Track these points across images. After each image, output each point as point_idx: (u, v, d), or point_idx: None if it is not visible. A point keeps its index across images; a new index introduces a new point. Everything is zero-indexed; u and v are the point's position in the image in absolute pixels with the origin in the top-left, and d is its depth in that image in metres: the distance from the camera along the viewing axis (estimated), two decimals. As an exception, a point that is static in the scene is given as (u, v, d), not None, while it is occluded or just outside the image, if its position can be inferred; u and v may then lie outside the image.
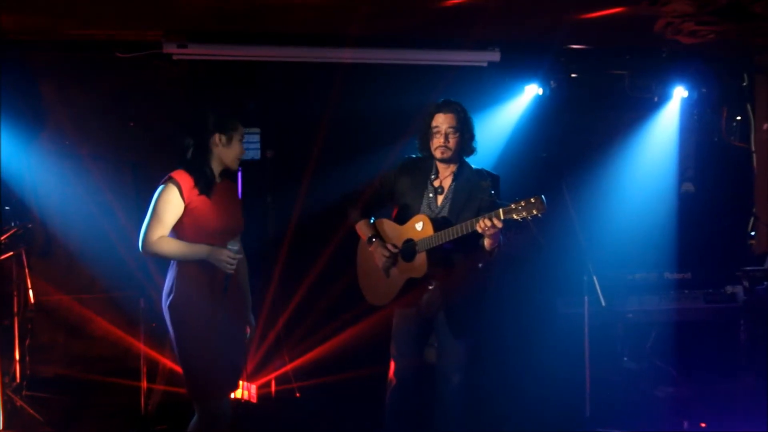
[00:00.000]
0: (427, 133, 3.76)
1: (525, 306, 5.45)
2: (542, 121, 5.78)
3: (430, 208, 3.75)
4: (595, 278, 4.45)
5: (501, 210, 3.37)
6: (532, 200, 3.30)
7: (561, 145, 5.80)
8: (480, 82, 5.60)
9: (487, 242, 3.52)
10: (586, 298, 4.54)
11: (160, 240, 3.20)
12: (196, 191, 3.25)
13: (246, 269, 3.55)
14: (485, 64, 5.54)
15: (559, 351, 5.03)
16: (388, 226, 3.88)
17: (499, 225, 3.37)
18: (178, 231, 3.28)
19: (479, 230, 3.42)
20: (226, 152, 3.32)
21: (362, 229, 3.92)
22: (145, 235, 3.21)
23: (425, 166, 3.81)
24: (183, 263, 3.27)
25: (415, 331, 3.82)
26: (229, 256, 3.22)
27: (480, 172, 3.74)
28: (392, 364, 3.85)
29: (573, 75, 5.82)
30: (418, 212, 3.74)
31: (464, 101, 3.80)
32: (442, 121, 3.70)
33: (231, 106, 3.35)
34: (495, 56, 5.48)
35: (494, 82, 5.69)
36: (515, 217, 3.33)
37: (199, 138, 3.29)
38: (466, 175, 3.74)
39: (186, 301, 3.27)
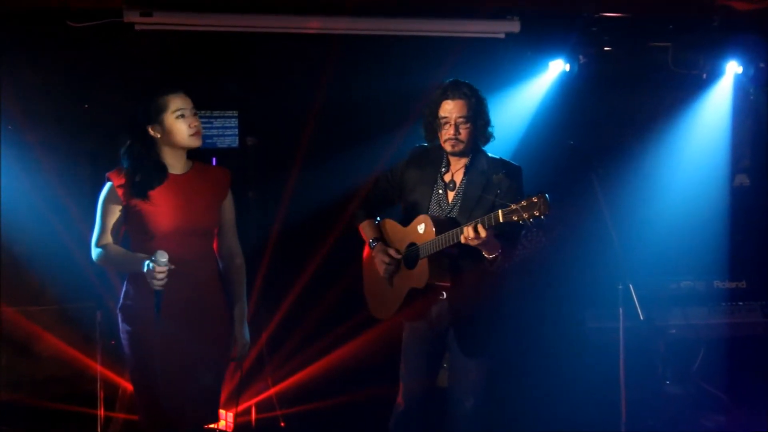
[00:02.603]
0: (433, 123, 3.77)
1: (548, 320, 5.46)
2: (569, 102, 5.78)
3: (440, 206, 3.76)
4: (631, 287, 4.44)
5: (500, 211, 3.36)
6: (534, 199, 3.29)
7: (591, 131, 5.76)
8: (496, 57, 5.60)
9: (483, 251, 3.53)
10: (621, 310, 4.53)
11: (105, 248, 3.31)
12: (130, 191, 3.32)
13: (241, 276, 3.56)
14: (502, 36, 5.54)
15: (589, 372, 5.02)
16: (392, 227, 3.91)
17: (483, 234, 3.38)
18: (129, 236, 3.37)
19: (462, 241, 3.44)
20: (169, 138, 3.34)
21: (366, 230, 3.96)
22: (91, 242, 3.35)
23: (436, 157, 3.82)
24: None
25: (427, 348, 3.83)
26: (155, 270, 3.15)
27: (497, 163, 3.74)
28: (401, 386, 3.88)
29: (606, 48, 5.83)
30: (426, 211, 3.75)
31: (477, 80, 3.80)
32: (450, 110, 3.70)
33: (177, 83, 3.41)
34: (514, 26, 5.48)
35: (513, 57, 5.69)
36: (515, 218, 3.32)
37: (133, 133, 3.37)
38: (481, 168, 3.74)
39: (133, 305, 3.33)
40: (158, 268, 3.13)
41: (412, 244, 3.74)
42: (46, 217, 5.21)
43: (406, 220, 3.82)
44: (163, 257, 3.15)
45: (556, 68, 5.80)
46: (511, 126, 5.45)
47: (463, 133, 3.68)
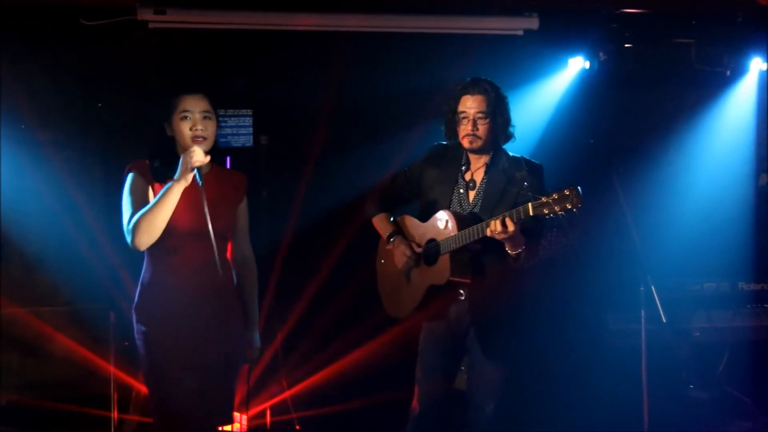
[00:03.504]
0: (453, 119, 3.79)
1: (569, 322, 5.45)
2: (589, 100, 5.79)
3: (461, 205, 3.78)
4: (653, 289, 4.44)
5: (530, 204, 3.38)
6: (566, 192, 3.31)
7: (612, 130, 5.80)
8: (514, 54, 5.60)
9: (507, 246, 3.54)
10: (643, 312, 4.53)
11: (137, 215, 3.26)
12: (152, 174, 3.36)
13: (253, 280, 3.61)
14: (521, 33, 5.55)
15: (610, 376, 5.02)
16: (411, 223, 3.92)
17: (510, 228, 3.40)
18: None
19: (488, 234, 3.46)
20: (177, 138, 3.39)
21: (381, 224, 3.98)
22: (125, 228, 3.29)
23: (455, 155, 3.84)
24: (152, 255, 3.34)
25: (445, 350, 3.82)
26: (189, 153, 3.25)
27: (517, 161, 3.76)
28: (416, 389, 3.88)
29: (627, 45, 5.81)
30: (444, 209, 3.77)
31: (495, 78, 3.81)
32: (469, 105, 3.72)
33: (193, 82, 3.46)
34: (532, 23, 5.49)
35: (532, 55, 5.69)
36: (546, 211, 3.35)
37: (154, 130, 3.43)
38: (502, 166, 3.76)
39: (148, 305, 3.34)
40: (192, 152, 3.25)
41: (432, 240, 3.76)
42: (57, 216, 5.26)
43: (424, 218, 3.84)
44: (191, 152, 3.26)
45: (576, 66, 5.80)
46: (529, 125, 5.37)
47: (482, 129, 3.70)
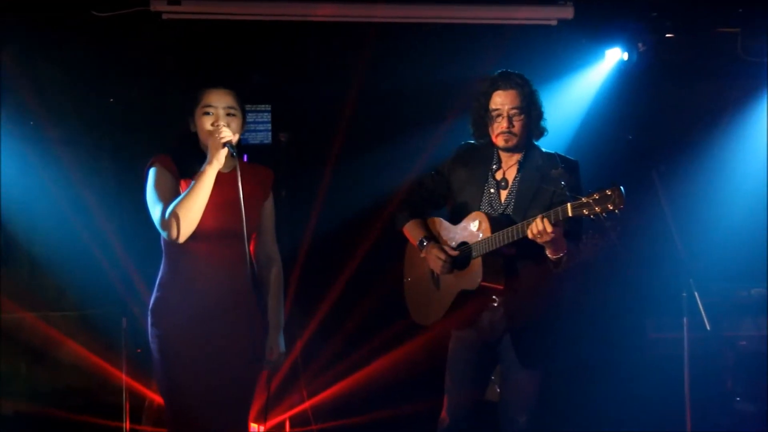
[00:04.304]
0: (483, 117, 3.75)
1: (606, 329, 5.43)
2: (627, 94, 5.74)
3: (492, 206, 3.74)
4: (696, 294, 4.43)
5: (569, 205, 3.33)
6: (608, 192, 3.26)
7: (651, 125, 5.75)
8: (548, 45, 5.58)
9: (548, 251, 3.50)
10: (685, 319, 4.51)
11: (171, 206, 3.24)
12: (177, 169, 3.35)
13: (279, 282, 3.59)
14: (555, 23, 5.51)
15: (650, 387, 5.03)
16: (442, 226, 3.89)
17: (549, 230, 3.36)
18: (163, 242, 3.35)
19: (530, 236, 3.41)
20: (199, 135, 3.36)
21: (412, 231, 3.94)
22: (159, 221, 3.26)
23: (485, 154, 3.81)
24: (170, 255, 3.33)
25: (476, 359, 3.79)
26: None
27: (551, 158, 3.71)
28: (446, 400, 3.85)
29: (668, 35, 5.76)
30: (476, 210, 3.73)
31: (528, 70, 3.78)
32: (502, 101, 3.67)
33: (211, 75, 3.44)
34: (567, 12, 5.45)
35: (566, 46, 5.67)
36: (586, 212, 3.29)
37: (180, 125, 3.41)
38: (535, 163, 3.72)
39: (164, 308, 3.32)
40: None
41: (464, 243, 3.73)
42: (66, 217, 5.28)
43: (455, 220, 3.81)
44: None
45: (613, 57, 5.76)
46: (565, 119, 5.46)
47: (517, 126, 3.66)
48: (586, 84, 5.75)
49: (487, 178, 3.77)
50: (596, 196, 3.27)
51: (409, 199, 3.99)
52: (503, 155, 3.77)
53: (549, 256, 3.51)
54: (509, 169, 3.76)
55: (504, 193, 3.74)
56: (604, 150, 5.25)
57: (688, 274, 4.45)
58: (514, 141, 3.68)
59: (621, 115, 5.70)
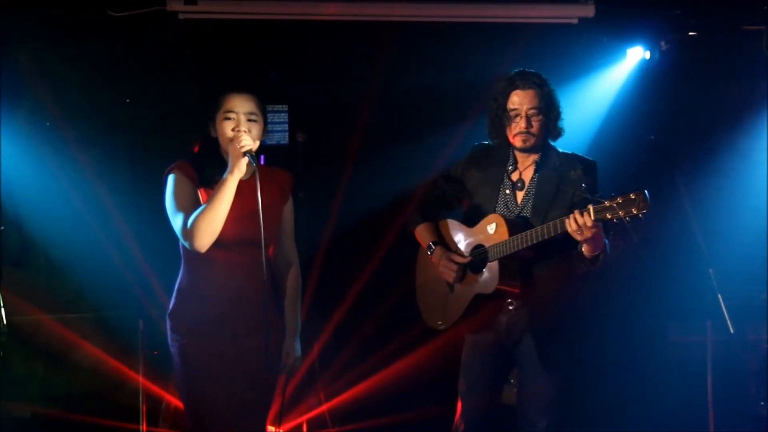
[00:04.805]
0: (501, 117, 3.73)
1: (627, 332, 5.41)
2: (650, 93, 5.72)
3: (508, 207, 3.73)
4: (720, 297, 4.38)
5: (591, 208, 3.32)
6: (632, 196, 3.23)
7: (674, 125, 5.72)
8: (569, 44, 5.60)
9: (585, 248, 3.47)
10: (708, 323, 4.66)
11: (193, 216, 3.24)
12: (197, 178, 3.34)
13: (296, 286, 3.60)
14: (575, 21, 5.52)
15: (672, 391, 5.02)
16: (455, 228, 3.87)
17: (590, 224, 3.32)
18: (182, 246, 3.35)
19: (570, 231, 3.38)
20: (220, 140, 3.36)
21: (422, 234, 3.93)
22: (180, 232, 3.27)
23: (500, 155, 3.79)
24: (189, 261, 3.35)
25: (491, 362, 3.78)
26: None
27: (569, 158, 3.70)
28: (460, 404, 3.84)
29: (691, 33, 5.74)
30: (492, 213, 3.72)
31: (548, 70, 3.77)
32: (520, 101, 3.67)
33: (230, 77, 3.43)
34: (588, 10, 5.46)
35: (587, 44, 5.68)
36: (609, 216, 3.27)
37: (202, 130, 3.42)
38: (553, 164, 3.71)
39: (184, 311, 3.34)
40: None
41: (479, 246, 3.72)
42: (83, 219, 5.31)
43: (470, 222, 3.79)
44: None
45: (635, 56, 5.74)
46: (586, 120, 5.44)
47: (536, 126, 3.65)
48: (607, 83, 5.73)
49: (503, 180, 3.75)
50: (619, 200, 3.25)
51: (424, 200, 3.98)
52: (519, 156, 3.75)
53: (585, 254, 3.48)
54: (525, 170, 3.74)
55: (520, 195, 3.72)
56: (626, 151, 5.26)
57: (711, 277, 4.39)
58: (532, 141, 3.67)
59: (643, 115, 5.66)
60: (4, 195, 5.24)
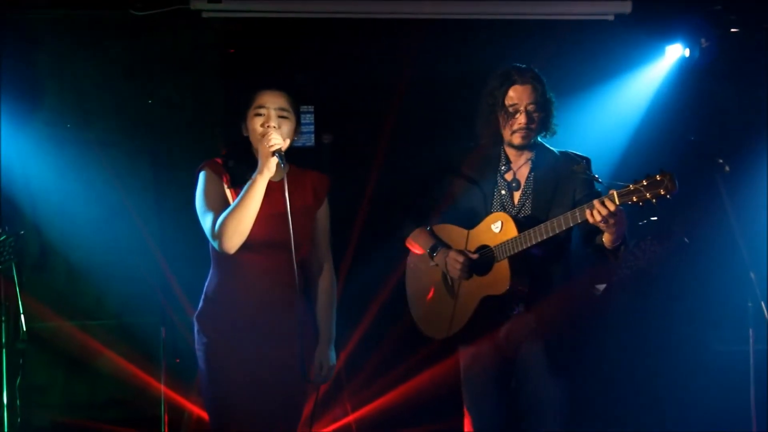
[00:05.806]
0: (497, 114, 3.70)
1: (667, 342, 5.38)
2: (689, 92, 5.69)
3: (504, 208, 3.72)
4: (763, 305, 4.36)
5: (615, 192, 3.29)
6: (657, 177, 3.23)
7: (715, 125, 5.69)
8: (605, 41, 5.58)
9: (606, 238, 3.45)
10: (751, 331, 4.50)
11: (221, 217, 3.27)
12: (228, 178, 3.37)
13: (331, 292, 3.62)
14: (611, 18, 5.53)
15: (713, 402, 4.99)
16: (453, 231, 3.84)
17: (612, 208, 3.28)
18: (212, 249, 3.37)
19: (590, 220, 3.35)
20: (251, 138, 3.38)
21: (419, 240, 3.90)
22: (209, 232, 3.29)
23: (491, 155, 3.78)
24: (219, 263, 3.38)
25: (494, 373, 3.77)
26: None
27: (568, 155, 3.71)
28: (466, 419, 3.84)
29: (733, 30, 5.70)
30: (485, 217, 3.70)
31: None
32: (519, 96, 3.65)
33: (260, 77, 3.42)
34: (625, 6, 5.47)
35: (624, 42, 5.64)
36: (635, 199, 3.26)
37: (232, 129, 3.45)
38: (548, 161, 3.72)
39: (213, 313, 3.36)
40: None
41: (483, 247, 3.68)
42: (104, 222, 5.35)
43: (467, 225, 3.77)
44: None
45: (674, 53, 5.72)
46: (623, 119, 5.41)
47: (536, 121, 3.65)
48: (644, 82, 5.69)
49: (496, 180, 3.74)
50: (645, 183, 3.24)
51: (416, 205, 3.95)
52: (512, 155, 3.74)
53: (607, 245, 3.46)
54: (519, 169, 3.74)
55: (517, 195, 3.71)
56: (665, 152, 5.22)
57: (753, 284, 4.36)
58: (530, 137, 3.67)
59: (682, 114, 5.62)
60: (24, 198, 5.30)
